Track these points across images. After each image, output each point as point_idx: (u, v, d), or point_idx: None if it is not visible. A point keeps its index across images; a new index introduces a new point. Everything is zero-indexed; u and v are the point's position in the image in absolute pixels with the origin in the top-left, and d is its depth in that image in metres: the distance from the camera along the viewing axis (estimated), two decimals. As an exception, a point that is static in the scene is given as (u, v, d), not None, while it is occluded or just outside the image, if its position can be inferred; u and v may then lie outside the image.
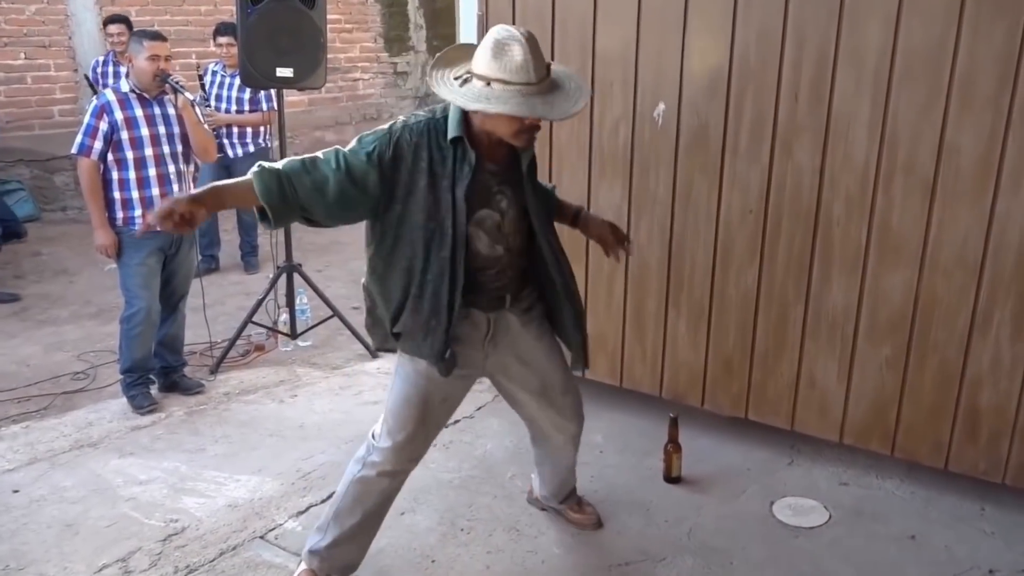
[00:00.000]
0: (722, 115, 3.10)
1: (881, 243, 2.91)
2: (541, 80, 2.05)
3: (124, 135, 3.74)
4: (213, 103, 5.77)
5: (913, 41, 2.71)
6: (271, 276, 4.78)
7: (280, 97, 4.66)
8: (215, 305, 5.33)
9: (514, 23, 3.45)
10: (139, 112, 3.78)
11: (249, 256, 6.15)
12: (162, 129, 3.83)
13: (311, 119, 8.17)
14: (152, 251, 3.83)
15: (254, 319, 4.59)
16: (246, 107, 5.79)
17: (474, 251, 2.26)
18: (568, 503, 2.92)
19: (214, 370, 4.39)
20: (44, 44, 6.85)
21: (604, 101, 3.34)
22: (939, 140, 2.74)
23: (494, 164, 2.24)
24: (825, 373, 3.11)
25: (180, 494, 3.14)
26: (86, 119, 3.76)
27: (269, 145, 5.95)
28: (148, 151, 3.79)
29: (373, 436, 2.46)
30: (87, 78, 6.29)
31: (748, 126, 3.06)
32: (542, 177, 3.53)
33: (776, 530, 2.89)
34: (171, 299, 4.02)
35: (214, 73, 5.84)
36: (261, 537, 2.84)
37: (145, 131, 3.78)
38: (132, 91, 3.78)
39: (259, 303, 4.63)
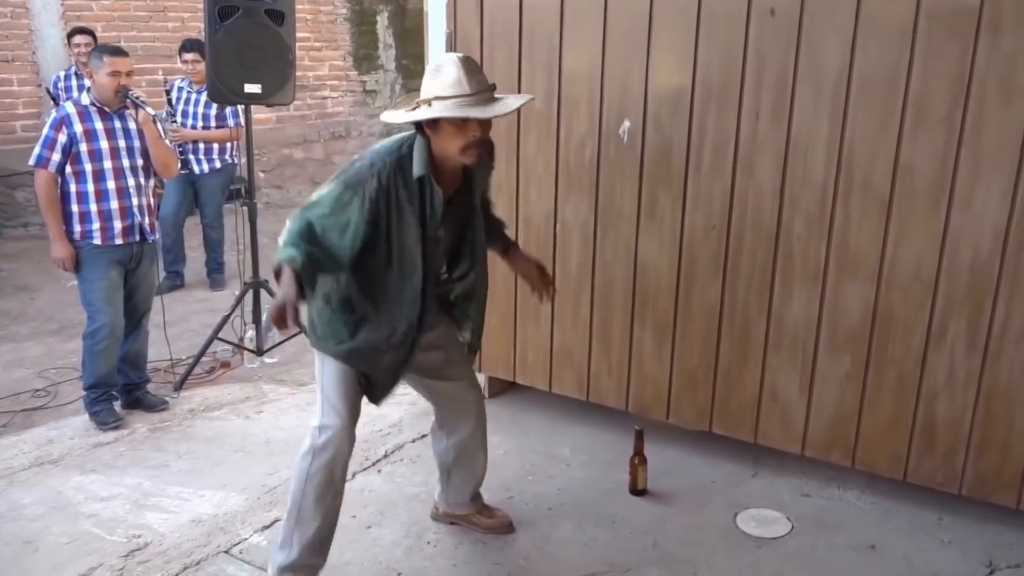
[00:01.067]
0: (685, 133, 3.17)
1: (840, 259, 2.98)
2: (478, 92, 2.24)
3: (83, 147, 3.70)
4: (179, 119, 5.74)
5: (869, 62, 2.80)
6: (237, 293, 4.75)
7: (248, 113, 4.66)
8: (180, 322, 5.28)
9: (481, 42, 3.51)
10: (99, 125, 3.75)
11: (215, 273, 6.11)
12: (122, 143, 3.80)
13: (279, 136, 8.15)
14: (112, 264, 3.79)
15: (220, 336, 4.56)
16: (212, 123, 5.77)
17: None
18: (476, 506, 2.94)
19: (178, 387, 4.34)
20: (7, 59, 6.78)
21: (570, 118, 3.40)
22: (894, 159, 2.82)
23: (453, 197, 2.43)
24: (787, 387, 3.17)
25: (143, 510, 3.10)
26: (44, 131, 3.73)
27: (236, 162, 5.94)
28: (107, 164, 3.75)
29: (315, 427, 2.51)
30: (48, 92, 6.23)
31: (711, 144, 3.13)
32: (509, 191, 3.59)
33: (740, 541, 2.93)
34: (133, 314, 3.97)
35: (180, 89, 5.82)
36: (226, 552, 2.82)
37: (104, 144, 3.74)
38: (92, 104, 3.76)
39: (225, 319, 4.61)
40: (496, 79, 3.46)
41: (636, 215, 3.34)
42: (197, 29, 7.42)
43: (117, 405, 3.98)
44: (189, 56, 5.71)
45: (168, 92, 5.80)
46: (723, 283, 3.21)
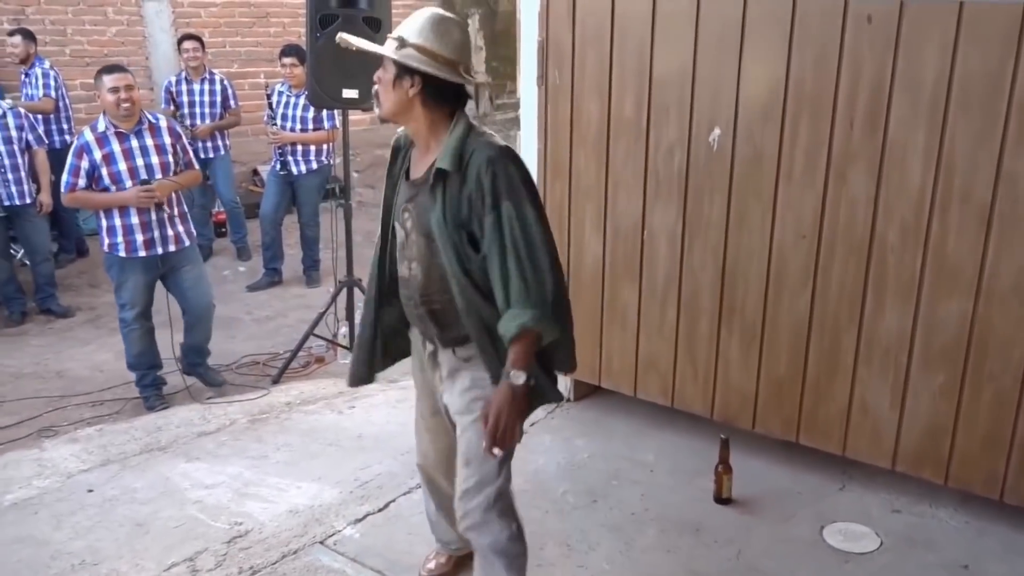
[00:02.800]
0: (777, 141, 3.14)
1: (936, 271, 2.90)
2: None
3: (104, 171, 3.97)
4: (279, 122, 5.99)
5: (970, 68, 2.72)
6: (332, 290, 4.94)
7: (345, 117, 4.83)
8: (277, 317, 5.53)
9: (573, 48, 3.54)
10: (117, 147, 3.99)
11: (310, 270, 6.34)
12: (140, 161, 4.03)
13: (373, 137, 8.38)
14: (139, 271, 4.11)
15: (315, 332, 4.75)
16: (310, 126, 6.00)
17: (393, 261, 2.33)
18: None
19: (276, 380, 4.56)
20: (123, 64, 7.18)
21: (660, 125, 3.40)
22: (996, 168, 2.73)
23: (420, 183, 2.16)
24: (878, 400, 3.11)
25: (244, 498, 3.27)
26: (69, 159, 4.01)
27: (332, 162, 6.16)
28: (127, 183, 4.00)
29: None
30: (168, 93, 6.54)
31: (803, 152, 3.09)
32: (598, 198, 3.62)
33: (826, 555, 2.90)
34: (190, 311, 4.34)
35: (280, 93, 6.06)
36: (321, 543, 2.95)
37: (123, 165, 3.99)
38: (108, 128, 3.98)
39: (320, 316, 4.79)
40: (587, 85, 3.54)
41: (725, 223, 3.33)
42: (298, 34, 7.70)
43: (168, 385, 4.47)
44: (288, 60, 5.95)
45: (269, 96, 6.06)
46: (813, 293, 3.17)
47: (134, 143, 4.03)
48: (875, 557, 2.88)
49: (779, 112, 3.11)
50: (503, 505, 2.25)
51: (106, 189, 4.00)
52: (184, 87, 6.40)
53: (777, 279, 3.25)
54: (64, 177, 4.01)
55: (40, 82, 6.18)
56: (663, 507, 3.17)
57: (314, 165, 6.11)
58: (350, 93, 4.56)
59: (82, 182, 3.98)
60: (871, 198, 2.98)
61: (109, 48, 7.23)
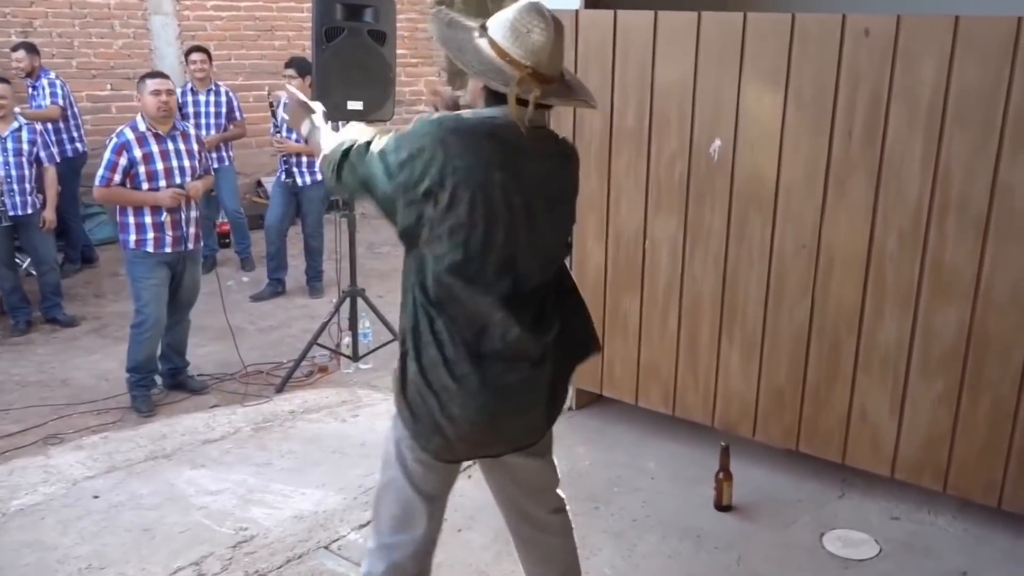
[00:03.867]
0: (776, 151, 3.18)
1: (934, 280, 2.94)
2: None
3: (142, 169, 4.13)
4: (284, 132, 6.05)
5: (966, 80, 2.77)
6: (335, 300, 4.97)
7: (349, 129, 4.88)
8: (281, 327, 5.55)
9: (576, 57, 3.59)
10: (155, 148, 4.17)
11: (314, 281, 6.37)
12: (174, 163, 4.22)
13: (375, 149, 8.46)
14: (161, 268, 4.24)
15: (319, 341, 4.78)
16: None
17: None
18: None
19: (280, 389, 4.58)
20: (129, 76, 7.23)
21: (661, 136, 3.45)
22: (992, 178, 2.78)
23: None
24: (877, 407, 3.14)
25: (249, 504, 3.30)
26: (106, 155, 4.15)
27: None
28: (162, 183, 4.18)
29: None
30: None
31: (802, 163, 3.14)
32: (600, 206, 3.66)
33: (826, 561, 2.92)
34: (179, 308, 4.45)
35: (285, 104, 6.12)
36: (325, 547, 2.98)
37: (160, 165, 4.17)
38: (148, 129, 4.16)
39: (324, 326, 4.82)
40: (588, 98, 3.58)
41: (725, 232, 3.37)
42: (302, 47, 7.77)
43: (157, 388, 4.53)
44: (288, 72, 6.02)
45: (273, 106, 6.12)
46: (812, 301, 3.21)
47: (170, 146, 4.21)
48: (875, 564, 2.90)
49: (779, 123, 3.16)
50: None
51: (138, 187, 4.10)
52: (190, 98, 6.46)
53: (777, 288, 3.28)
54: (100, 172, 4.12)
55: (47, 91, 6.25)
56: (664, 513, 3.20)
57: (319, 177, 6.15)
58: (355, 105, 4.61)
59: (118, 178, 4.10)
60: (870, 208, 3.03)
61: (116, 60, 7.29)
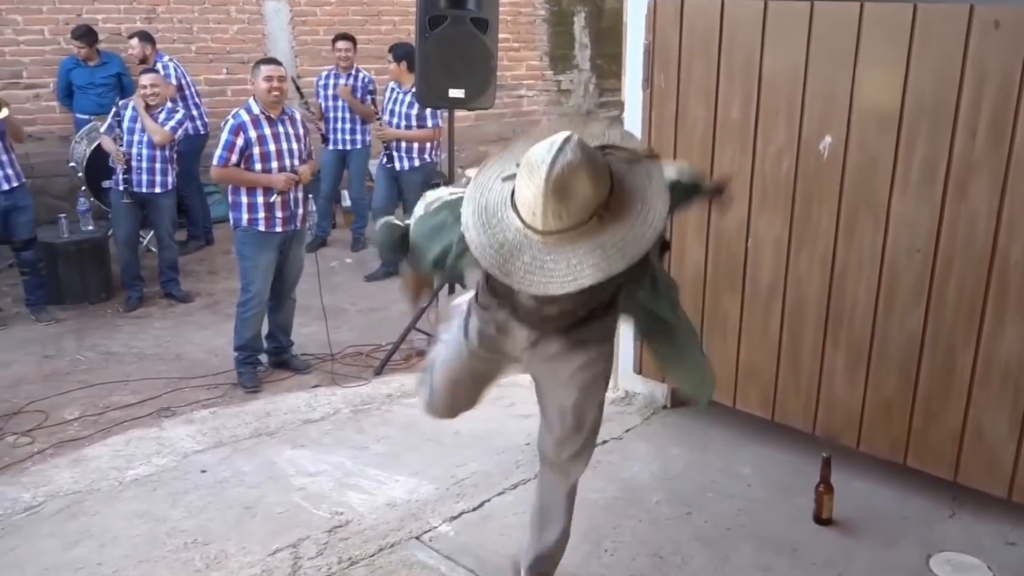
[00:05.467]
0: (892, 150, 3.01)
1: (1065, 291, 2.74)
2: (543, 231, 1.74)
3: (256, 150, 4.30)
4: (386, 118, 6.16)
5: (1111, 79, 2.55)
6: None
7: (451, 116, 4.91)
8: (381, 310, 5.67)
9: (680, 51, 3.49)
10: (267, 131, 4.33)
11: (413, 267, 6.47)
12: (285, 145, 4.38)
13: (477, 133, 8.47)
14: (270, 247, 4.40)
15: (416, 326, 4.86)
16: (414, 123, 6.13)
17: None
18: None
19: (378, 371, 4.68)
20: (243, 60, 7.48)
21: (768, 130, 3.32)
22: None
23: None
24: (995, 424, 2.95)
25: (345, 488, 3.39)
26: (224, 136, 4.33)
27: (436, 160, 6.27)
28: (274, 164, 4.34)
29: None
30: (294, 82, 6.80)
31: (920, 162, 2.96)
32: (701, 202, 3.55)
33: (932, 584, 2.79)
34: (283, 288, 4.60)
35: (392, 90, 6.22)
36: (417, 538, 3.03)
37: (272, 147, 4.33)
38: (261, 112, 4.31)
39: (422, 311, 4.89)
40: (693, 88, 3.48)
41: (834, 233, 3.22)
42: (407, 32, 7.85)
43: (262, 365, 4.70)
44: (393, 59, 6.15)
45: (372, 93, 6.30)
46: (927, 309, 3.04)
47: (280, 129, 4.38)
48: (985, 590, 2.75)
49: (895, 120, 2.99)
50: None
51: (251, 169, 4.30)
52: (331, 81, 6.72)
53: (888, 293, 3.13)
54: (218, 152, 4.33)
55: (161, 74, 6.55)
56: (759, 524, 3.11)
57: (417, 162, 6.23)
58: (456, 92, 4.65)
59: (234, 158, 4.30)
60: (993, 212, 2.84)
61: (231, 45, 7.54)
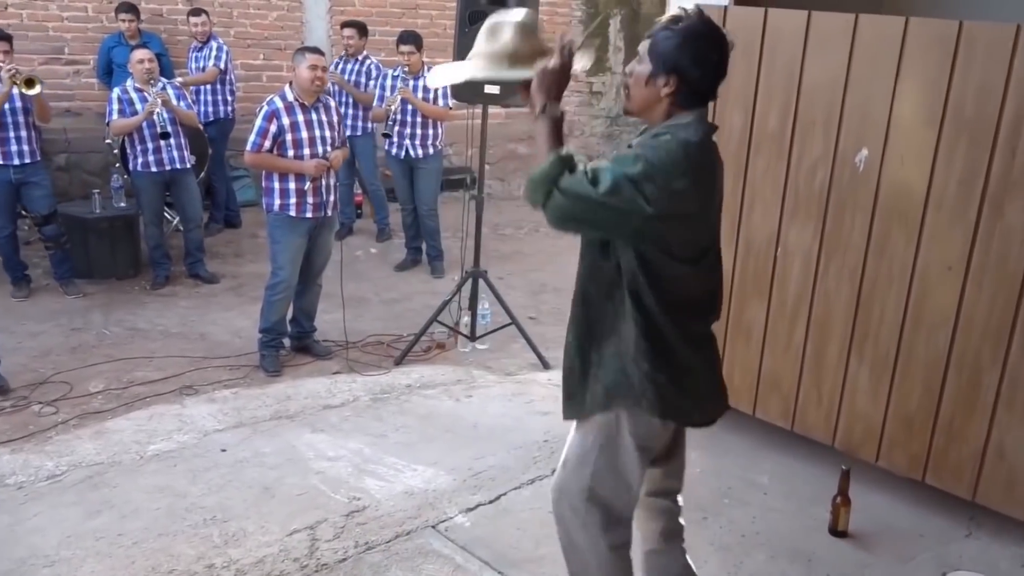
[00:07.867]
0: (929, 166, 3.01)
1: (1097, 316, 2.72)
2: None
3: (289, 137, 4.34)
4: (389, 93, 6.22)
5: None
6: (458, 279, 5.06)
7: (484, 112, 4.93)
8: (403, 300, 5.70)
9: (719, 57, 3.48)
10: (301, 117, 4.37)
11: (435, 260, 6.47)
12: (318, 132, 4.43)
13: (506, 131, 8.48)
14: (300, 232, 4.45)
15: (438, 319, 4.88)
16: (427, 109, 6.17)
17: None
18: None
19: (398, 361, 4.71)
20: (280, 47, 7.55)
21: (804, 140, 3.32)
22: None
23: None
24: (1018, 446, 2.94)
25: (363, 474, 3.42)
26: (258, 122, 4.38)
27: (443, 149, 6.36)
28: (306, 150, 4.39)
29: None
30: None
31: (956, 180, 2.95)
32: (733, 210, 3.56)
33: (946, 603, 2.78)
34: (310, 273, 4.66)
35: (395, 77, 6.25)
36: (433, 527, 3.06)
37: (305, 134, 4.38)
38: (295, 99, 4.36)
39: (445, 304, 4.92)
40: (732, 96, 3.48)
41: (864, 246, 3.22)
42: (443, 27, 7.88)
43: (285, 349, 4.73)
44: (406, 48, 6.13)
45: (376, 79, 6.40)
46: (955, 327, 3.03)
47: (314, 116, 4.43)
48: (1000, 612, 2.74)
49: (934, 136, 2.98)
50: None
51: (284, 155, 4.36)
52: (340, 67, 6.76)
53: (917, 309, 3.12)
54: (252, 138, 4.37)
55: (213, 54, 6.62)
56: (774, 532, 3.11)
57: (431, 150, 6.25)
58: (492, 89, 4.65)
59: (268, 144, 4.35)
60: (1029, 233, 2.82)
61: (269, 31, 7.61)
